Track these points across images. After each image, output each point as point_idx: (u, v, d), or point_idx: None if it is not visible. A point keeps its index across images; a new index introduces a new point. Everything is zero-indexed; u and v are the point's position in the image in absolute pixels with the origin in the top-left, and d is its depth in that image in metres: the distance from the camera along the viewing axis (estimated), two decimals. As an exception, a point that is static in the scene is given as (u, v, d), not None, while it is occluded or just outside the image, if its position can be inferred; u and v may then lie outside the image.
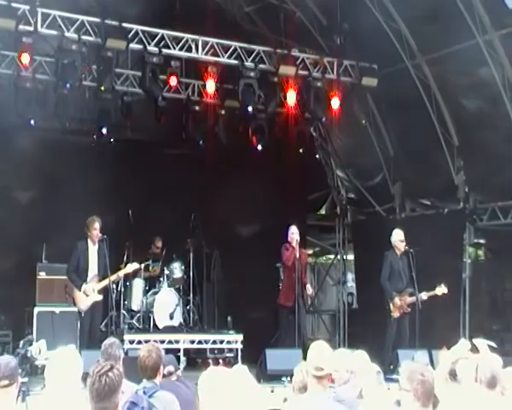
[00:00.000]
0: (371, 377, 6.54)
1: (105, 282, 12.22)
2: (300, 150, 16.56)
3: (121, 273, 12.90)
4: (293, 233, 13.37)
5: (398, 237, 13.45)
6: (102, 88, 13.57)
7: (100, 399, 4.25)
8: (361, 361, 6.90)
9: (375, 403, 6.27)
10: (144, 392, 6.12)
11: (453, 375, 6.77)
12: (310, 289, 13.88)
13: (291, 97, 14.61)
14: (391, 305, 13.24)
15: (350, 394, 6.28)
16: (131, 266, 13.03)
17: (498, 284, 15.65)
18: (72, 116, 14.63)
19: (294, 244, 13.28)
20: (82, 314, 12.26)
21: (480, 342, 6.98)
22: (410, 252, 13.11)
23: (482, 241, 16.16)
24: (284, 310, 13.47)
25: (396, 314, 13.24)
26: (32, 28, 12.53)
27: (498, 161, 13.93)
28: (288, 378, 9.75)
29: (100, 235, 12.20)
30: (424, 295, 13.02)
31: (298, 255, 13.23)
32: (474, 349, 6.86)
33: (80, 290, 12.24)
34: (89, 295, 12.19)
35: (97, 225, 12.19)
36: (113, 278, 12.45)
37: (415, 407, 5.25)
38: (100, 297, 12.31)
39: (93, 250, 12.35)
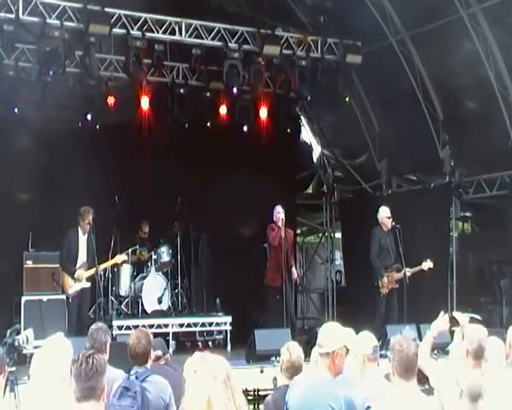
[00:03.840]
0: (359, 355, 6.61)
1: (93, 270, 12.50)
2: (288, 130, 16.61)
3: (109, 264, 13.26)
4: (279, 213, 13.27)
5: (384, 213, 13.53)
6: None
7: (88, 378, 4.27)
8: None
9: (368, 380, 6.36)
10: (136, 377, 6.11)
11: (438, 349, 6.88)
12: (294, 273, 13.74)
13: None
14: (380, 282, 13.32)
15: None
16: (120, 258, 13.45)
17: (485, 256, 15.74)
18: (55, 104, 14.54)
19: (280, 224, 13.21)
20: (69, 300, 12.55)
21: (460, 315, 7.06)
22: (397, 228, 13.19)
23: (468, 214, 16.25)
24: (271, 290, 13.43)
25: (385, 291, 13.34)
26: (13, 16, 12.44)
27: (483, 133, 13.97)
28: (278, 358, 9.80)
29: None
30: (408, 272, 13.11)
31: (284, 235, 13.16)
32: (454, 322, 6.94)
33: (73, 277, 12.51)
34: (80, 281, 12.47)
35: (91, 216, 12.45)
36: (102, 267, 12.82)
37: (393, 379, 5.33)
38: (88, 284, 12.61)
39: (83, 239, 12.66)
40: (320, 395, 5.37)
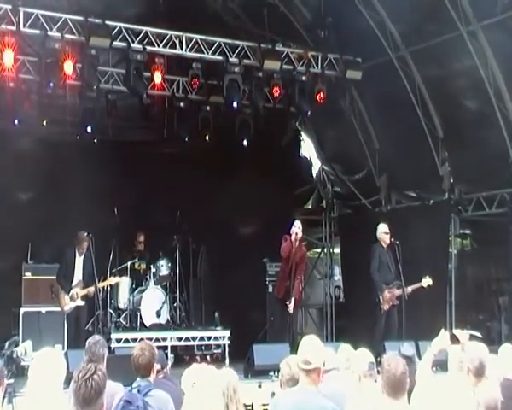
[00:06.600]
0: (355, 371, 6.59)
1: (88, 289, 12.63)
2: (282, 145, 16.63)
3: (105, 284, 13.43)
4: (295, 227, 13.25)
5: (382, 229, 13.60)
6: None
7: (86, 403, 4.25)
8: (345, 356, 7.00)
9: (364, 396, 6.32)
10: (139, 391, 6.06)
11: (437, 366, 6.86)
12: (291, 304, 13.03)
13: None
14: (381, 297, 13.31)
15: (334, 388, 6.31)
16: (114, 279, 13.58)
17: (484, 273, 15.72)
18: (55, 116, 14.55)
19: (293, 238, 13.14)
20: (67, 315, 12.70)
21: (461, 333, 7.04)
22: (396, 244, 13.19)
23: (467, 231, 16.26)
24: (275, 302, 13.55)
25: (386, 307, 13.33)
26: (14, 28, 12.46)
27: (482, 151, 14.00)
28: (276, 373, 9.77)
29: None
30: (409, 288, 13.12)
31: (294, 250, 13.09)
32: (455, 340, 6.93)
33: (68, 294, 12.65)
34: (74, 300, 12.63)
35: (86, 243, 12.63)
36: (99, 286, 12.89)
37: (383, 397, 5.31)
38: (82, 303, 12.76)
39: (79, 260, 12.83)
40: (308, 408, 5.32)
